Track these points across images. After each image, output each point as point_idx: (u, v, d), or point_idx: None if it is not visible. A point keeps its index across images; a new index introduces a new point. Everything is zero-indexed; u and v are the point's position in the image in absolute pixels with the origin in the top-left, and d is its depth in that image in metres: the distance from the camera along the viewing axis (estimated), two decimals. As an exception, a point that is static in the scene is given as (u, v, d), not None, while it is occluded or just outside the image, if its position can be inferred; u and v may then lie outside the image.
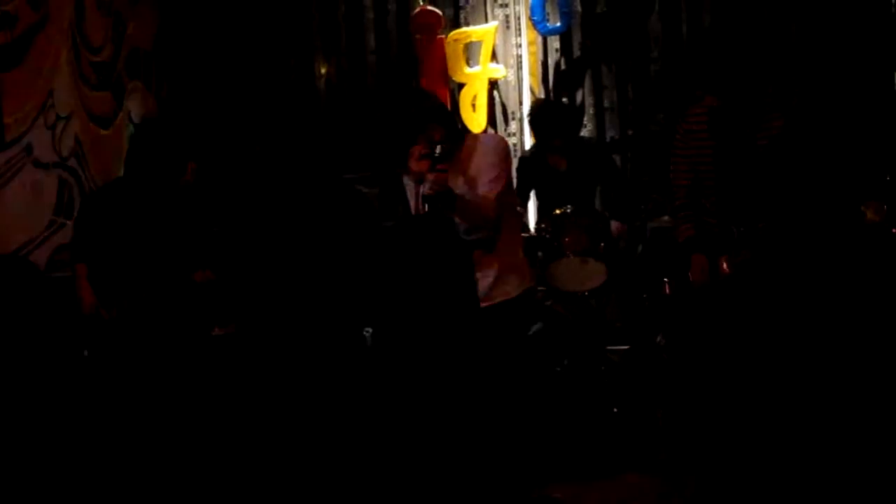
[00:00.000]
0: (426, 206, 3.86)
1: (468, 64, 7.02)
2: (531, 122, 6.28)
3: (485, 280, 4.05)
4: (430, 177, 3.86)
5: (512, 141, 7.09)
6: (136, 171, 4.85)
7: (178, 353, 4.64)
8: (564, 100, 7.05)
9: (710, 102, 4.59)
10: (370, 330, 3.71)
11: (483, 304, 3.99)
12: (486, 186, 3.99)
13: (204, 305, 4.88)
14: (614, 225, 5.81)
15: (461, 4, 7.17)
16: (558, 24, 6.89)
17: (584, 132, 6.98)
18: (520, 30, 7.13)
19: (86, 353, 4.69)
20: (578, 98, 7.09)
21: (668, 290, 5.45)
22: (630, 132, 6.99)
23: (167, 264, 4.73)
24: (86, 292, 4.67)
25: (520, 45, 7.14)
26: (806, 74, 6.50)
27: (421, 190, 3.92)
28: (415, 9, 7.13)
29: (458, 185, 3.95)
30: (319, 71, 7.39)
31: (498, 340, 3.99)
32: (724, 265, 4.57)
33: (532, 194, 6.42)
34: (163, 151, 4.76)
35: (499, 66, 7.05)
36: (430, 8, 7.04)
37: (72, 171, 5.77)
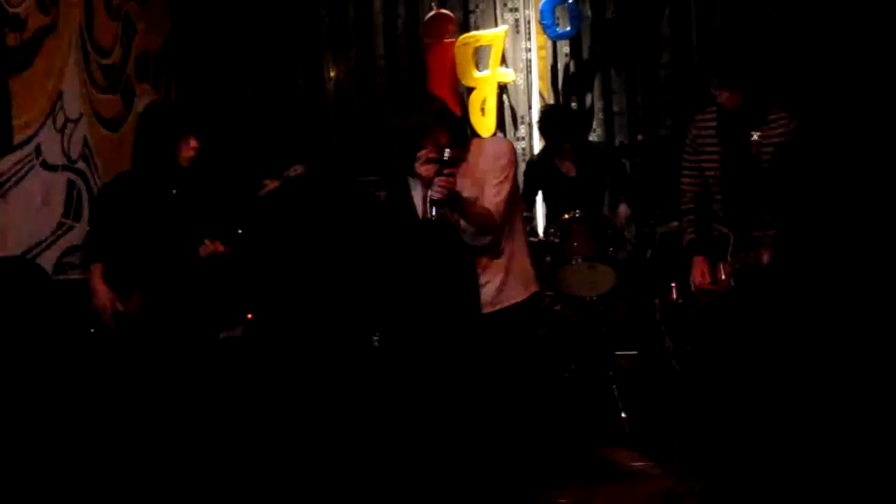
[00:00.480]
0: (433, 210, 3.86)
1: (477, 68, 7.02)
2: (541, 128, 6.28)
3: (491, 285, 4.04)
4: (438, 181, 3.85)
5: (521, 145, 7.08)
6: (145, 155, 4.75)
7: (184, 356, 4.61)
8: (574, 104, 7.04)
9: (724, 100, 4.57)
10: (377, 336, 3.70)
11: (490, 309, 3.99)
12: (492, 190, 3.99)
13: (212, 306, 4.85)
14: (622, 209, 5.80)
15: (471, 8, 7.17)
16: (568, 28, 6.88)
17: (593, 137, 6.97)
18: (529, 34, 7.12)
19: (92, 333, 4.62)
20: (587, 102, 7.08)
21: (675, 294, 5.44)
22: (639, 137, 6.97)
23: (182, 256, 4.69)
24: (101, 289, 4.59)
25: (529, 50, 7.13)
26: (817, 79, 6.47)
27: (429, 194, 3.90)
28: (425, 13, 7.13)
29: (466, 189, 3.95)
30: (328, 74, 7.39)
31: (504, 345, 3.98)
32: (723, 270, 4.59)
33: (540, 199, 6.41)
34: (167, 128, 4.67)
35: (508, 70, 7.05)
36: (444, 11, 7.04)
37: (80, 174, 5.78)
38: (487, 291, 3.98)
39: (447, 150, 3.89)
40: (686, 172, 4.81)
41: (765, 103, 4.56)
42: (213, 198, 4.91)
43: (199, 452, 3.79)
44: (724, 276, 4.59)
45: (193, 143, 4.66)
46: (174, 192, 4.66)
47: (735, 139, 4.56)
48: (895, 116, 6.25)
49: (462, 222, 3.95)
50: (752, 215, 4.46)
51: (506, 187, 4.01)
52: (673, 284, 5.23)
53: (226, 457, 3.55)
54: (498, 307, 4.06)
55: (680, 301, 4.98)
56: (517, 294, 4.13)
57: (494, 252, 4.08)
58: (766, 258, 4.29)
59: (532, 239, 5.65)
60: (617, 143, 7.02)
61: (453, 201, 3.87)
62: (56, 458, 3.78)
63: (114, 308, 4.56)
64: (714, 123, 4.66)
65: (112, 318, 4.56)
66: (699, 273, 4.70)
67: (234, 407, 3.91)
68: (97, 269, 4.62)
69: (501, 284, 4.09)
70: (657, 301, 5.77)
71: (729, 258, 4.56)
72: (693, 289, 4.76)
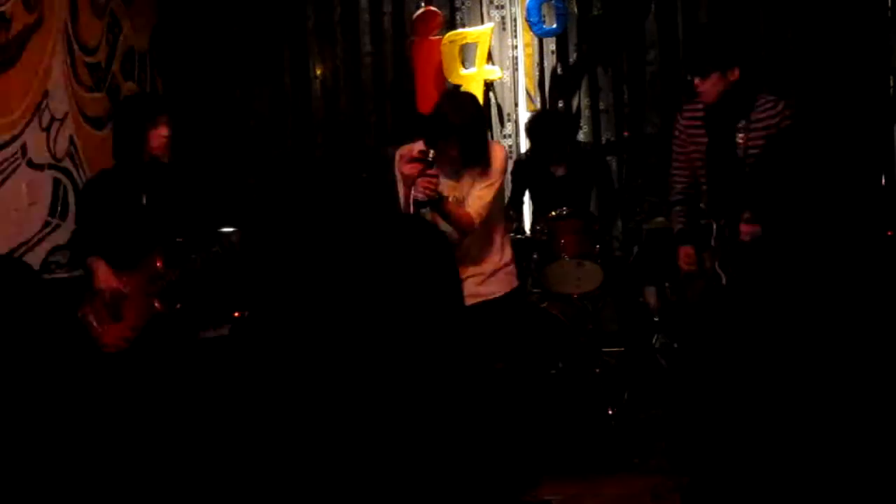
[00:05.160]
0: (415, 209, 3.86)
1: (464, 65, 7.02)
2: (529, 133, 6.27)
3: (472, 280, 4.07)
4: (421, 182, 3.85)
5: (507, 143, 7.08)
6: (119, 148, 4.76)
7: (168, 355, 4.61)
8: (560, 102, 7.05)
9: (701, 92, 4.57)
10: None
11: (470, 301, 4.01)
12: (478, 194, 4.00)
13: (195, 305, 4.86)
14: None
15: (457, 6, 7.17)
16: (554, 25, 6.88)
17: (580, 135, 6.98)
18: (516, 31, 7.12)
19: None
20: (574, 100, 7.09)
21: (668, 294, 5.48)
22: (626, 134, 6.98)
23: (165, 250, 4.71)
24: (103, 269, 4.60)
25: (516, 47, 7.13)
26: (801, 77, 6.50)
27: (411, 194, 3.90)
28: (411, 10, 7.13)
29: (451, 190, 3.96)
30: (314, 72, 7.39)
31: (482, 340, 4.01)
32: (707, 259, 4.61)
33: (527, 196, 6.41)
34: (135, 117, 4.68)
35: (494, 67, 7.05)
36: (432, 9, 7.03)
37: (66, 173, 5.76)
38: (468, 285, 4.01)
39: (432, 151, 3.89)
40: (675, 164, 4.82)
41: (750, 90, 4.56)
42: (194, 195, 4.93)
43: (187, 453, 3.79)
44: (708, 264, 4.61)
45: (164, 130, 4.63)
46: (149, 190, 4.67)
47: (721, 131, 4.57)
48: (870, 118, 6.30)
49: (442, 223, 3.95)
50: (737, 207, 4.47)
51: (491, 192, 4.03)
52: (667, 285, 5.25)
53: (213, 458, 3.55)
54: (478, 300, 4.09)
55: (674, 299, 5.00)
56: (498, 289, 4.16)
57: (475, 249, 4.10)
58: (744, 232, 4.32)
59: (519, 236, 5.67)
60: (603, 140, 7.03)
61: (435, 203, 3.88)
62: (45, 456, 3.77)
63: (115, 289, 4.57)
64: (701, 114, 4.67)
65: (112, 297, 4.57)
66: (685, 261, 4.73)
67: (219, 406, 3.91)
68: (95, 258, 4.62)
69: (482, 279, 4.12)
70: (641, 299, 5.80)
71: (713, 244, 4.57)
72: (680, 276, 4.81)
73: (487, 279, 4.16)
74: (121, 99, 6.36)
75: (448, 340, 2.90)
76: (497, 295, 4.19)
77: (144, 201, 4.65)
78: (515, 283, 4.33)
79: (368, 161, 6.85)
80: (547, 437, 4.91)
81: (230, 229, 4.81)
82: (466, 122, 3.98)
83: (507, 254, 4.31)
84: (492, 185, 4.05)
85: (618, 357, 5.82)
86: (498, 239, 4.23)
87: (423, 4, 7.07)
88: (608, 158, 6.64)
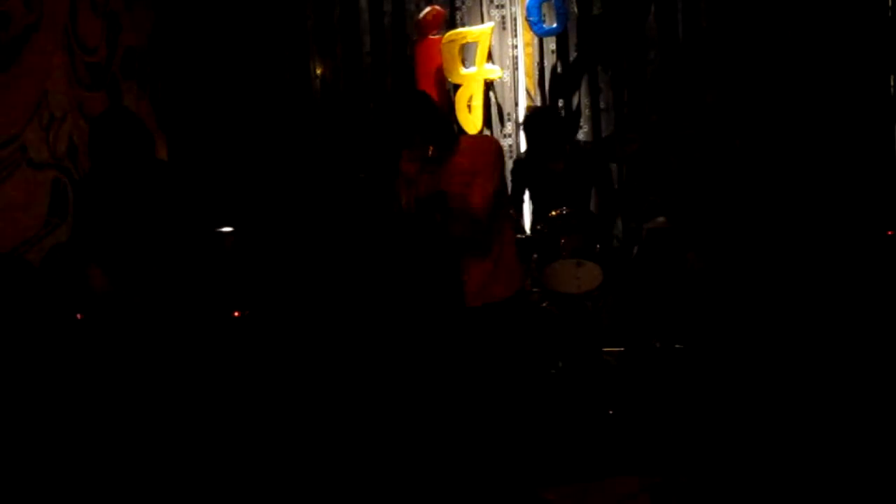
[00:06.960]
0: (418, 207, 3.85)
1: (464, 65, 7.02)
2: (525, 130, 6.27)
3: (478, 280, 4.05)
4: (421, 179, 3.85)
5: (507, 142, 7.09)
6: (100, 160, 4.81)
7: (194, 336, 4.61)
8: (560, 101, 7.05)
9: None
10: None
11: (476, 303, 4.00)
12: (479, 187, 3.98)
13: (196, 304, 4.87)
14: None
15: (457, 5, 7.17)
16: (554, 25, 6.88)
17: (580, 134, 6.98)
18: (516, 31, 7.12)
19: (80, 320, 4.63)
20: (574, 100, 7.08)
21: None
22: (653, 118, 6.96)
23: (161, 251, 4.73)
24: (97, 272, 4.64)
25: (516, 47, 7.13)
26: (802, 77, 6.49)
27: (413, 192, 3.89)
28: (411, 10, 7.14)
29: (452, 187, 3.95)
30: (315, 72, 7.38)
31: (489, 341, 3.99)
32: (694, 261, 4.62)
33: (527, 196, 6.41)
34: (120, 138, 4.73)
35: (495, 67, 7.05)
36: (438, 8, 7.02)
37: (66, 172, 5.76)
38: (474, 286, 4.00)
39: (431, 148, 3.88)
40: None
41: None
42: (191, 194, 4.94)
43: (188, 446, 3.80)
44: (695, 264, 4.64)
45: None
46: (128, 196, 4.72)
47: None
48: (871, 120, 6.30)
49: (448, 220, 3.95)
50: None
51: (492, 184, 4.01)
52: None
53: (213, 452, 3.55)
54: (484, 302, 4.07)
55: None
56: (504, 290, 4.14)
57: (482, 248, 4.08)
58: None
59: (519, 236, 5.66)
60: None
61: (438, 200, 3.87)
62: (48, 450, 3.78)
63: (109, 289, 4.60)
64: None
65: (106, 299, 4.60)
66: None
67: (220, 404, 3.92)
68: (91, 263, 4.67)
69: (488, 280, 4.10)
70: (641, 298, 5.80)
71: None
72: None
73: (492, 280, 4.14)
74: (118, 100, 6.37)
75: (447, 339, 2.91)
76: (502, 297, 4.16)
77: (122, 207, 4.70)
78: (520, 285, 4.30)
79: (368, 161, 6.85)
80: (547, 437, 4.91)
81: (228, 229, 4.83)
82: (417, 118, 3.98)
83: (512, 253, 4.29)
84: (491, 173, 4.03)
85: (618, 357, 5.82)
86: (504, 237, 4.20)
87: (430, 3, 7.06)
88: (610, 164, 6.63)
